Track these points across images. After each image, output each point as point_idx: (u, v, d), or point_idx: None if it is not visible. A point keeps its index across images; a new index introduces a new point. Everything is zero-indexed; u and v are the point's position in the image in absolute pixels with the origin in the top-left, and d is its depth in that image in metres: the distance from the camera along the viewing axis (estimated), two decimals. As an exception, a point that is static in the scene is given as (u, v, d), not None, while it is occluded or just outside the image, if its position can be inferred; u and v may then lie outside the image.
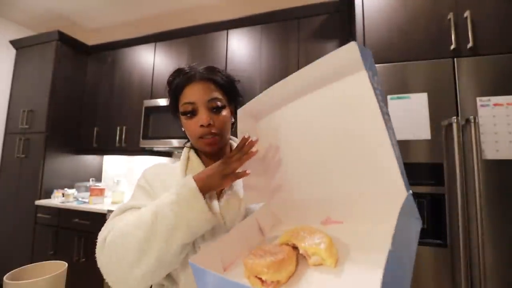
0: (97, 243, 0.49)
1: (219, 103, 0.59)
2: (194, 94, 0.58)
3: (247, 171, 0.50)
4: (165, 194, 0.50)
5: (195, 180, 0.49)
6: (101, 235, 0.50)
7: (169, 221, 0.46)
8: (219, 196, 0.59)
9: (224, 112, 0.60)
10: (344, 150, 0.43)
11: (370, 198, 0.39)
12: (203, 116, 0.57)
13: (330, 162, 0.45)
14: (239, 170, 0.51)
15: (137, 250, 0.45)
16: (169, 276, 0.56)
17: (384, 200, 0.37)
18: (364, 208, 0.40)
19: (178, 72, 0.62)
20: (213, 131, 0.57)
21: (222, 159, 0.52)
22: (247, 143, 0.51)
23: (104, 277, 0.47)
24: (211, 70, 0.61)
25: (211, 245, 0.40)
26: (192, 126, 0.58)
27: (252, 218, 0.49)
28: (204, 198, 0.49)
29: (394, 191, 0.35)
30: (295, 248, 0.37)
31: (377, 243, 0.34)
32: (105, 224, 0.52)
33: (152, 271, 0.46)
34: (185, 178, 0.50)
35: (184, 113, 0.59)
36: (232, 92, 0.63)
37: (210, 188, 0.50)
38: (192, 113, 0.58)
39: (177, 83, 0.60)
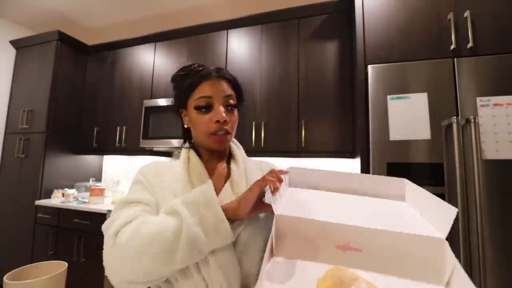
0: (105, 239, 0.48)
1: (233, 102, 0.60)
2: (211, 89, 0.58)
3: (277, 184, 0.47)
4: (185, 211, 0.47)
5: (224, 209, 0.48)
6: (109, 230, 0.48)
7: (194, 246, 0.45)
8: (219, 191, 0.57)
9: (235, 112, 0.62)
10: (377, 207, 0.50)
11: (395, 238, 0.38)
12: (220, 111, 0.57)
13: (361, 208, 0.50)
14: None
15: (153, 262, 0.44)
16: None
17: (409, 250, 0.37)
18: (386, 244, 0.39)
19: (189, 67, 0.61)
20: (225, 127, 0.58)
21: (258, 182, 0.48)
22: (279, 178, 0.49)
23: (108, 275, 0.47)
24: (223, 70, 0.62)
25: None
26: (205, 121, 0.58)
27: (270, 239, 0.42)
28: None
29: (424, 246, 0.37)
30: None
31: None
32: (110, 218, 0.51)
33: (157, 279, 0.47)
34: (214, 207, 0.48)
35: (198, 107, 0.58)
36: (240, 93, 0.65)
37: (240, 213, 0.49)
38: (207, 108, 0.58)
39: (192, 78, 0.59)
